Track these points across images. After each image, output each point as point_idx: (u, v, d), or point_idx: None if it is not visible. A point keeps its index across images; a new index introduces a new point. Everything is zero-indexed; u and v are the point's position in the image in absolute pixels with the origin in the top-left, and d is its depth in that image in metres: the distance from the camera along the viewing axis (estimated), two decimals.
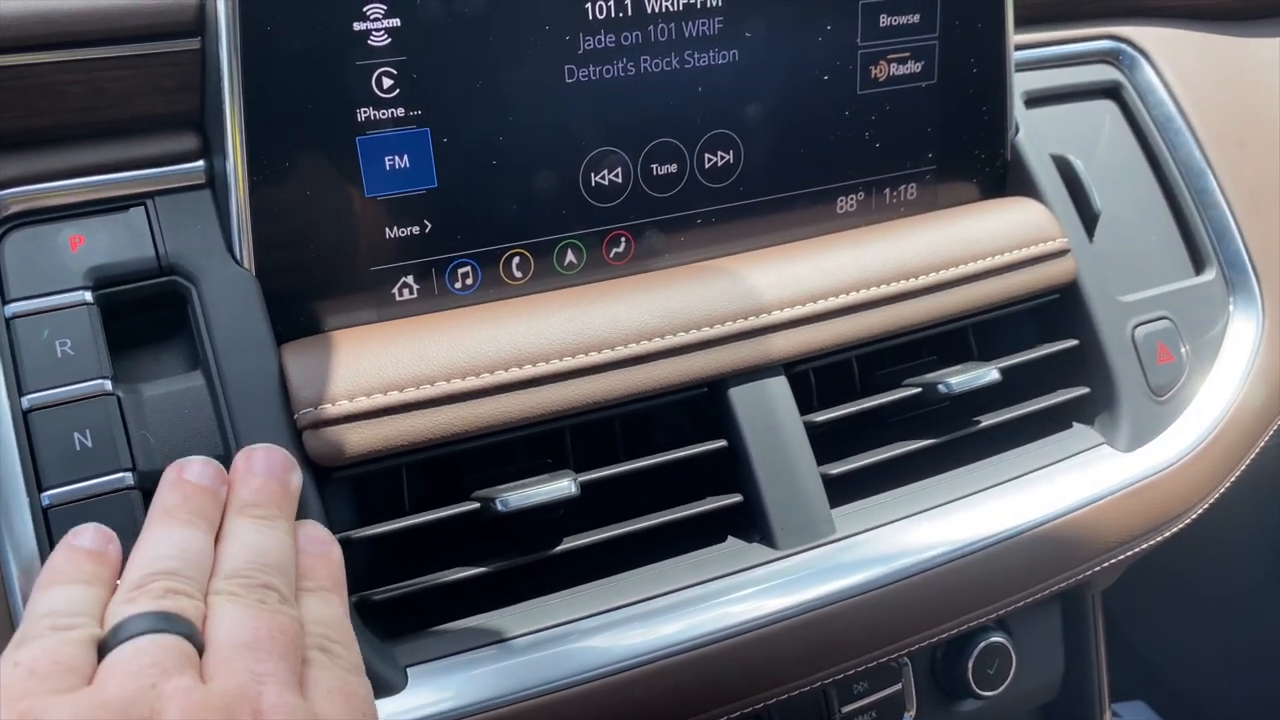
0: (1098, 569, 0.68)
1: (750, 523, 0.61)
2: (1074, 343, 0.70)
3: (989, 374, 0.65)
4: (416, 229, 0.58)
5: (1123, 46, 0.81)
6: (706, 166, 0.64)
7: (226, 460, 0.52)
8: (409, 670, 0.52)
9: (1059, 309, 0.71)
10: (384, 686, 0.51)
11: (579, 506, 0.58)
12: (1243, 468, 0.75)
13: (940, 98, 0.70)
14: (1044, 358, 0.70)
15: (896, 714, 0.70)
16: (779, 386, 0.62)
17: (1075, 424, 0.71)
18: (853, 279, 0.64)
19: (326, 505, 0.53)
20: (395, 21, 0.55)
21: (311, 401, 0.53)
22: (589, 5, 0.59)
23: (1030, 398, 0.70)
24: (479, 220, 0.60)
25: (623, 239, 0.64)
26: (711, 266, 0.64)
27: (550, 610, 0.56)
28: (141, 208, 0.55)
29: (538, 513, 0.56)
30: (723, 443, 0.61)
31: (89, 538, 0.46)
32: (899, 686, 0.69)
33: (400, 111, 0.56)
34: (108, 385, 0.51)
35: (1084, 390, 0.70)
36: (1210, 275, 0.78)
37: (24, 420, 0.50)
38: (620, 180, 0.62)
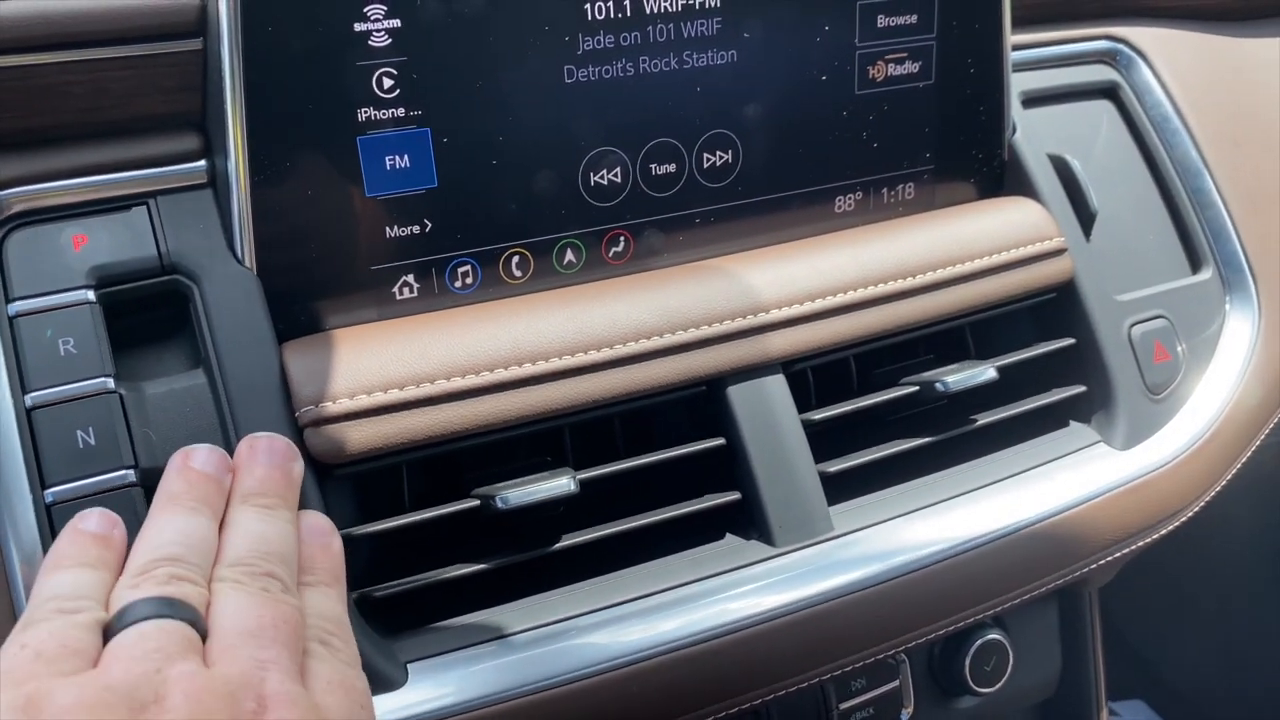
0: (1094, 566, 0.69)
1: (748, 520, 0.61)
2: (1071, 341, 0.71)
3: (986, 372, 0.66)
4: (417, 228, 0.59)
5: (1120, 47, 0.81)
6: (705, 166, 0.65)
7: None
8: (409, 666, 0.53)
9: (1056, 308, 0.72)
10: (385, 682, 0.52)
11: (578, 504, 0.58)
12: (1238, 466, 0.75)
13: (938, 98, 0.70)
14: (1041, 356, 0.70)
15: (894, 711, 0.70)
16: (777, 385, 0.62)
17: (1072, 422, 0.72)
18: (850, 278, 0.64)
19: (327, 502, 0.54)
20: (395, 22, 0.55)
21: (313, 399, 0.53)
22: (588, 6, 0.59)
23: (1027, 396, 0.70)
24: (479, 220, 0.60)
25: (622, 238, 0.64)
26: (710, 266, 0.64)
27: (550, 607, 0.57)
28: (144, 207, 0.56)
29: (537, 510, 0.56)
30: (721, 441, 0.61)
31: (94, 522, 0.46)
32: (896, 683, 0.70)
33: (400, 111, 0.57)
34: (110, 383, 0.52)
35: (1080, 389, 0.71)
36: (1206, 274, 0.78)
37: (27, 418, 0.50)
38: (619, 180, 0.63)
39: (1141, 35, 0.81)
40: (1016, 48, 0.77)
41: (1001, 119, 0.73)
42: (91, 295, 0.53)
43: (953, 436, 0.67)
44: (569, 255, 0.63)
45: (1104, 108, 0.81)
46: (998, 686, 0.72)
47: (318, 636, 0.44)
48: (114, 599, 0.42)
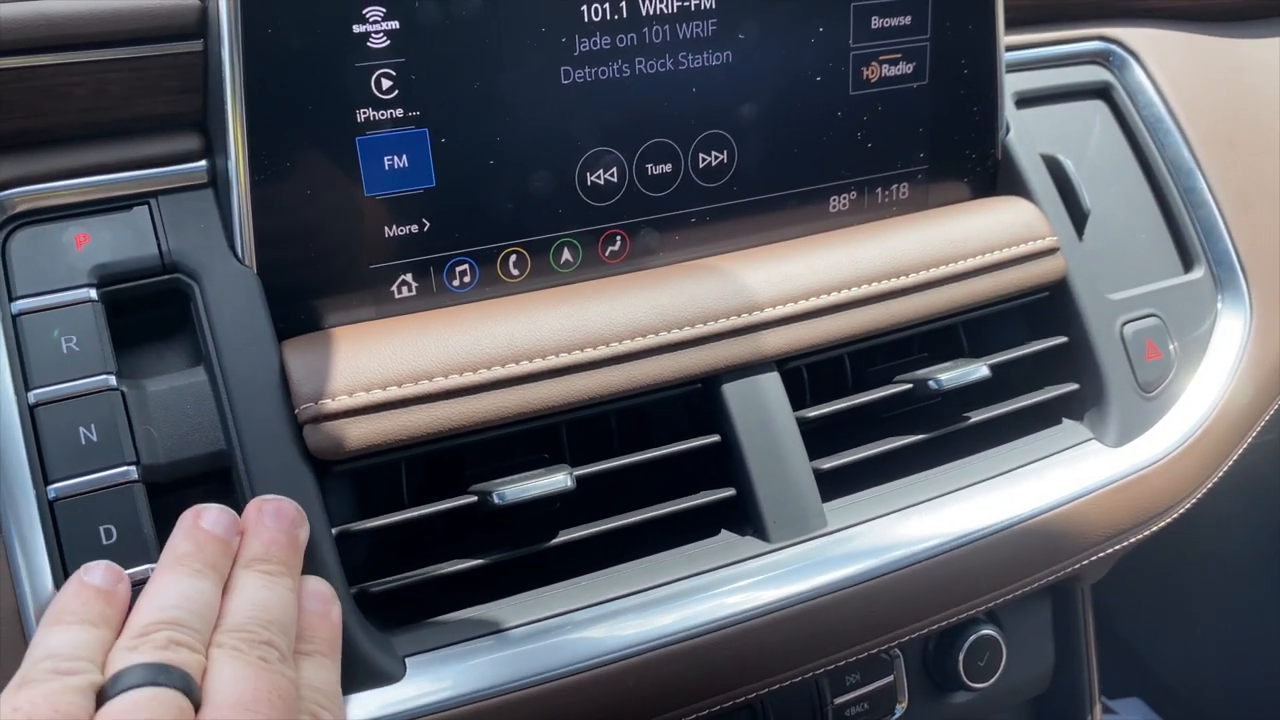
0: (1086, 563, 0.69)
1: (743, 516, 0.62)
2: (1063, 340, 0.71)
3: (979, 370, 0.66)
4: (415, 228, 0.59)
5: (1113, 47, 0.82)
6: (700, 166, 0.65)
7: (229, 455, 0.53)
8: (407, 660, 0.53)
9: (1049, 307, 0.72)
10: (382, 676, 0.52)
11: (575, 500, 0.59)
12: (1229, 464, 0.75)
13: (932, 98, 0.71)
14: (1034, 354, 0.71)
15: (888, 706, 0.71)
16: (772, 382, 0.63)
17: (1065, 420, 0.72)
18: (844, 277, 0.65)
19: (326, 498, 0.54)
20: (394, 24, 0.56)
21: (312, 396, 0.54)
22: (584, 8, 0.60)
23: (1020, 394, 0.71)
24: (476, 219, 0.61)
25: (618, 238, 0.65)
26: (705, 265, 0.65)
27: (546, 602, 0.57)
28: (145, 207, 0.56)
29: (534, 506, 0.57)
30: (716, 438, 0.62)
31: (100, 575, 0.47)
32: (891, 678, 0.70)
33: (399, 112, 0.57)
34: (112, 381, 0.52)
35: (1073, 386, 0.71)
36: (1199, 273, 0.79)
37: (30, 415, 0.51)
38: (615, 180, 0.63)
39: (1134, 36, 0.82)
40: (1010, 48, 0.77)
41: (995, 119, 0.73)
42: (93, 294, 0.54)
43: (946, 434, 0.68)
44: (566, 254, 0.64)
45: (1097, 108, 0.81)
46: (991, 682, 0.73)
47: (309, 710, 0.45)
48: (111, 660, 0.42)
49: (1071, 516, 0.67)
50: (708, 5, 0.63)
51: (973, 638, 0.72)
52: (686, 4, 0.62)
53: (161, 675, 0.41)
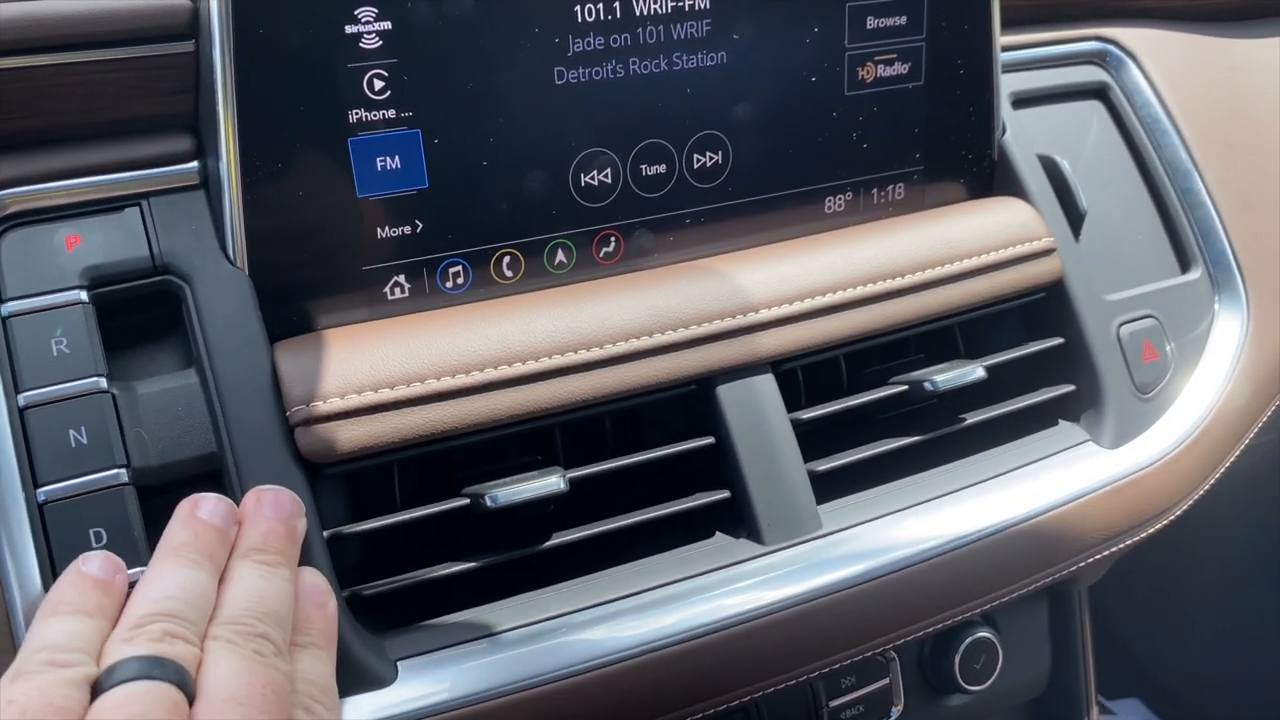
0: (1082, 565, 0.69)
1: (737, 518, 0.61)
2: (1060, 341, 0.71)
3: (975, 372, 0.66)
4: (408, 229, 0.59)
5: (1110, 48, 0.82)
6: (695, 167, 0.65)
7: (220, 457, 0.53)
8: (399, 664, 0.53)
9: (1045, 308, 0.72)
10: (374, 680, 0.52)
11: (569, 502, 0.58)
12: (1226, 465, 0.75)
13: (927, 99, 0.71)
14: (1030, 356, 0.70)
15: (884, 708, 0.70)
16: (766, 384, 0.63)
17: (1061, 421, 0.72)
18: (840, 278, 0.65)
19: (318, 501, 0.54)
20: (386, 24, 0.56)
21: (303, 399, 0.53)
22: (578, 8, 0.59)
23: (1017, 395, 0.71)
24: (470, 220, 0.60)
25: (612, 239, 0.64)
26: (700, 266, 0.65)
27: (540, 605, 0.57)
28: (136, 208, 0.56)
29: (528, 508, 0.57)
30: (710, 440, 0.61)
31: (97, 565, 0.47)
32: (886, 681, 0.70)
33: (392, 113, 0.57)
34: (103, 383, 0.52)
35: (1069, 388, 0.71)
36: (1196, 274, 0.78)
37: (20, 417, 0.51)
38: (609, 181, 0.63)
39: (1131, 36, 0.82)
40: (1007, 48, 0.77)
41: (991, 120, 0.73)
42: (84, 296, 0.53)
43: (942, 435, 0.68)
44: (560, 256, 0.63)
45: (1094, 108, 0.81)
46: (987, 684, 0.72)
47: (303, 704, 0.44)
48: (106, 652, 0.42)
49: (1067, 519, 0.67)
50: (702, 6, 0.62)
51: (969, 640, 0.72)
52: (681, 4, 0.62)
53: (156, 668, 0.41)
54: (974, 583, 0.65)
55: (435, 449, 0.56)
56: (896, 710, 0.71)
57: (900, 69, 0.69)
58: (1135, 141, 0.80)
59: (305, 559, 0.52)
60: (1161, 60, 0.82)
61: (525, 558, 0.57)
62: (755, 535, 0.61)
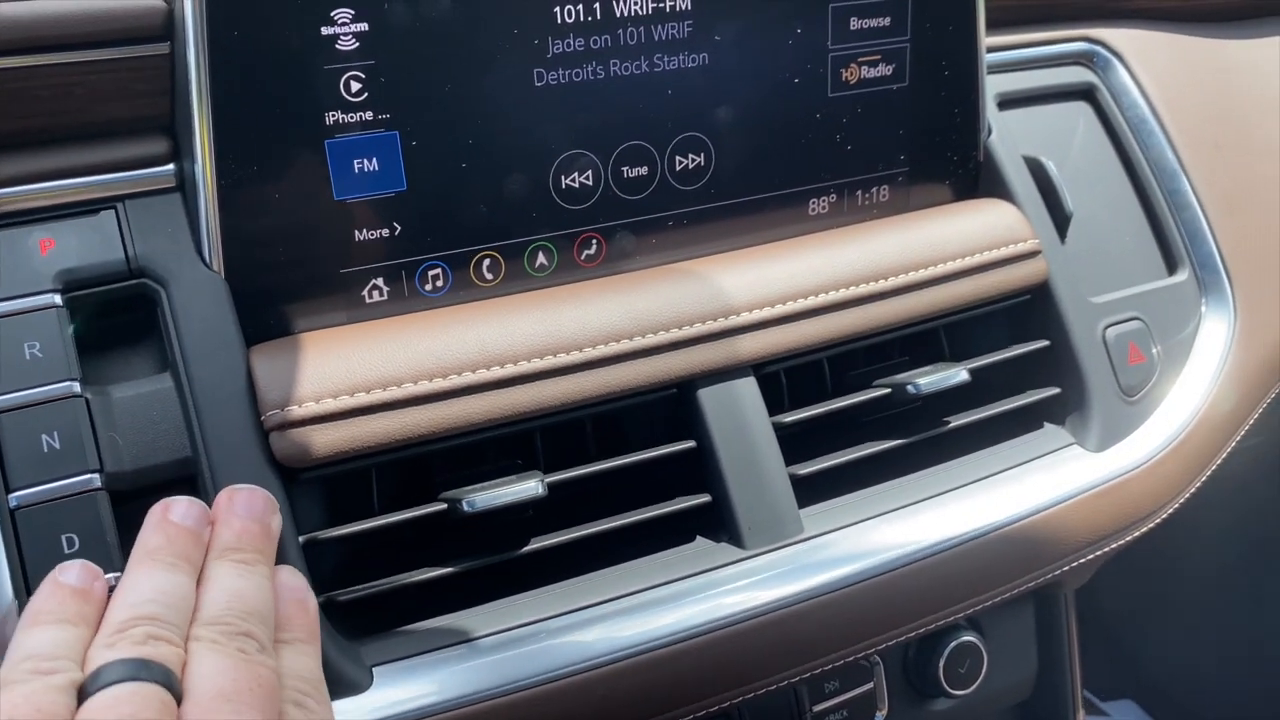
0: (1067, 568, 0.69)
1: (718, 523, 0.61)
2: (1045, 343, 0.71)
3: (958, 375, 0.66)
4: (386, 231, 0.59)
5: (1097, 49, 0.81)
6: (677, 169, 0.65)
7: (194, 462, 0.53)
8: (375, 670, 0.53)
9: (1030, 310, 0.72)
10: (349, 686, 0.52)
11: (550, 507, 0.58)
12: (1212, 469, 0.75)
13: (912, 100, 0.70)
14: (1015, 358, 0.70)
15: (868, 713, 0.70)
16: (748, 387, 0.62)
17: (1046, 424, 0.72)
18: (823, 281, 0.65)
19: (294, 506, 0.54)
20: (363, 26, 0.55)
21: (278, 403, 0.53)
22: (557, 9, 0.59)
23: (1002, 398, 0.70)
24: (449, 222, 0.60)
25: (594, 241, 0.64)
26: (682, 269, 0.64)
27: (518, 610, 0.57)
28: (112, 211, 0.56)
29: (507, 513, 0.56)
30: (691, 443, 0.61)
31: (75, 575, 0.46)
32: (871, 685, 0.70)
33: (369, 115, 0.57)
34: (76, 387, 0.52)
35: (1054, 391, 0.71)
36: (1183, 276, 0.78)
37: None
38: (590, 183, 0.63)
39: (1119, 37, 0.82)
40: (993, 49, 0.77)
41: (976, 121, 0.73)
42: (58, 299, 0.53)
43: (926, 438, 0.67)
44: (540, 258, 0.63)
45: (1081, 109, 0.81)
46: (972, 689, 0.72)
47: (293, 698, 0.44)
48: (90, 658, 0.42)
49: (1051, 522, 0.66)
50: (683, 6, 0.62)
51: (953, 644, 0.71)
52: (662, 5, 0.62)
53: (142, 670, 0.40)
54: (957, 587, 0.65)
55: (412, 453, 0.56)
56: (881, 715, 0.71)
57: (884, 70, 0.69)
58: (1122, 143, 0.80)
59: (281, 564, 0.52)
60: (1149, 61, 0.82)
61: (504, 562, 0.57)
62: (736, 539, 0.60)
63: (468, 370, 0.56)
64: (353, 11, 0.55)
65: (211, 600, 0.45)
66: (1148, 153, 0.80)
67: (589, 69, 0.61)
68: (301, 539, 0.53)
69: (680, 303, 0.61)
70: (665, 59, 0.63)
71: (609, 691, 0.56)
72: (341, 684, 0.51)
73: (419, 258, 0.60)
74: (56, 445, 0.51)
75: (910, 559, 0.62)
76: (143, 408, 0.53)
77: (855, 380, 0.68)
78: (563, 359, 0.58)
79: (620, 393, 0.59)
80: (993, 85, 0.76)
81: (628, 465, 0.60)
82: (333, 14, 0.55)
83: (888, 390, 0.66)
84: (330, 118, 0.56)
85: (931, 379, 0.65)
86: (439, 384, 0.55)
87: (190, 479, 0.53)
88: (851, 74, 0.68)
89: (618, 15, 0.61)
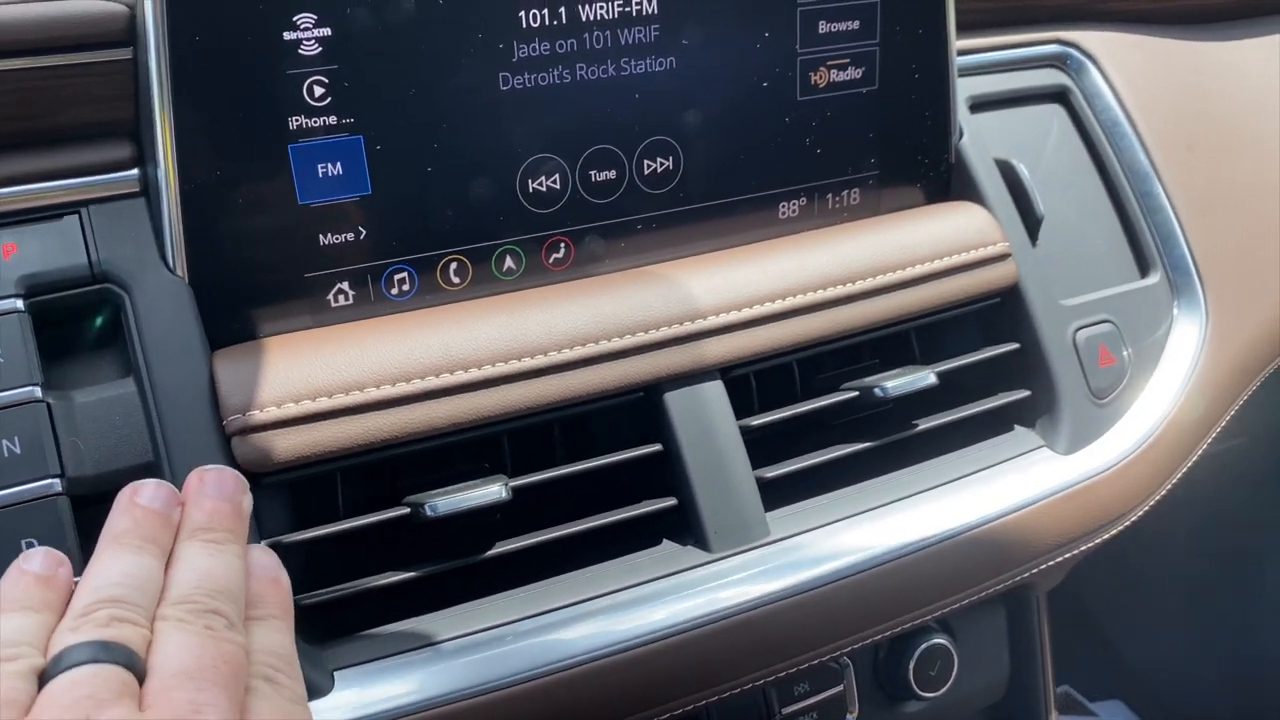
0: (1036, 570, 0.69)
1: (685, 526, 0.61)
2: (1015, 346, 0.71)
3: (926, 378, 0.66)
4: (351, 235, 0.59)
5: (1070, 51, 0.81)
6: (646, 173, 0.65)
7: (158, 468, 0.53)
8: (336, 673, 0.53)
9: (1000, 313, 0.72)
10: (311, 690, 0.51)
11: (518, 510, 0.58)
12: (1182, 472, 0.75)
13: (882, 103, 0.70)
14: (985, 361, 0.70)
15: (838, 715, 0.70)
16: (714, 391, 0.62)
17: (1016, 426, 0.72)
18: (790, 284, 0.65)
19: (257, 510, 0.54)
20: (326, 31, 0.55)
21: (240, 408, 0.53)
22: (522, 14, 0.59)
23: (974, 400, 0.70)
24: (414, 226, 0.60)
25: (562, 245, 0.64)
26: (650, 272, 0.64)
27: (482, 613, 0.57)
28: (75, 216, 0.56)
29: (474, 516, 0.56)
30: (658, 447, 0.61)
31: (38, 562, 0.46)
32: (840, 688, 0.70)
33: (332, 119, 0.57)
34: (38, 392, 0.52)
35: (1024, 393, 0.71)
36: (1155, 278, 0.78)
37: None
38: (558, 186, 0.63)
39: (1092, 39, 0.82)
40: (966, 52, 0.77)
41: (947, 124, 0.73)
42: (20, 304, 0.53)
43: (895, 441, 0.67)
44: (508, 262, 0.63)
45: (1054, 112, 0.81)
46: (942, 691, 0.72)
47: (262, 673, 0.43)
48: (53, 643, 0.42)
49: (1020, 524, 0.66)
50: (650, 10, 0.62)
51: (923, 646, 0.71)
52: (628, 9, 0.62)
53: (103, 652, 0.40)
54: (924, 589, 0.65)
55: (375, 458, 0.56)
56: (851, 717, 0.71)
57: (854, 74, 0.69)
58: (1095, 145, 0.80)
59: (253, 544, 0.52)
60: (1122, 64, 0.82)
61: (471, 566, 0.57)
62: (702, 542, 0.60)
63: (431, 374, 0.56)
64: (315, 17, 0.55)
65: (180, 580, 0.45)
66: (1120, 155, 0.80)
67: (555, 73, 0.61)
68: (265, 543, 0.53)
69: (647, 306, 0.61)
70: (632, 63, 0.63)
71: (574, 696, 0.56)
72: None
73: (384, 261, 0.60)
74: (17, 450, 0.51)
75: (877, 561, 0.63)
76: (105, 412, 0.53)
77: (825, 383, 0.69)
78: (527, 363, 0.58)
79: (586, 396, 0.60)
80: (965, 88, 0.76)
81: (594, 469, 0.60)
82: (295, 19, 0.55)
83: (855, 393, 0.66)
84: (294, 122, 0.56)
85: (899, 382, 0.65)
86: (402, 388, 0.55)
87: None
88: (821, 78, 0.68)
89: (583, 19, 0.61)
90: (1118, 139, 0.80)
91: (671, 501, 0.61)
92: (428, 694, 0.53)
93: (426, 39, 0.57)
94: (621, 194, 0.65)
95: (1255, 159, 0.84)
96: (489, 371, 0.57)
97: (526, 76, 0.60)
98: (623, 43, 0.62)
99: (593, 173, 0.64)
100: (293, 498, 0.57)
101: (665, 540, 0.62)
